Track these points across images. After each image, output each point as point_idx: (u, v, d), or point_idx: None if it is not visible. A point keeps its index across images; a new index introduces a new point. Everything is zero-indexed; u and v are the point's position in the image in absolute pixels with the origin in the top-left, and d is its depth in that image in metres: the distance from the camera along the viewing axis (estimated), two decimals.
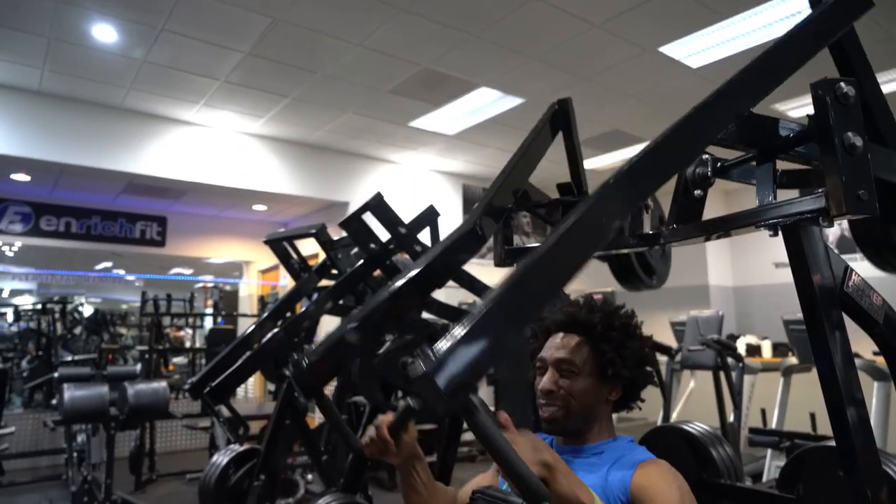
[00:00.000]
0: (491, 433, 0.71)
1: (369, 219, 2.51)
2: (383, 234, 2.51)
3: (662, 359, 4.62)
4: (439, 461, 2.58)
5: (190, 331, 8.57)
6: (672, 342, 5.05)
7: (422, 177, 7.02)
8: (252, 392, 7.95)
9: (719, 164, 1.31)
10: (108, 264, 10.12)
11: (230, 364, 2.33)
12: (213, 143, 5.79)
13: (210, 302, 8.66)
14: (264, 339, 2.40)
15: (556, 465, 0.76)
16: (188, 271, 9.74)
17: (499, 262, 1.63)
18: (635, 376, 1.10)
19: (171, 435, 6.41)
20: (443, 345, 0.66)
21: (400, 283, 1.12)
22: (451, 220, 2.73)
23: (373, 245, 2.49)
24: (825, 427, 3.58)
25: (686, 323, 4.72)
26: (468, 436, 5.89)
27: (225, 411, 3.03)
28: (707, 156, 1.27)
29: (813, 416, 3.52)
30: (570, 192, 1.58)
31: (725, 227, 1.15)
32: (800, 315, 4.61)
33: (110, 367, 4.87)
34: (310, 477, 4.80)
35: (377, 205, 2.17)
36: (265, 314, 2.63)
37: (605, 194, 0.86)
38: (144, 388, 3.92)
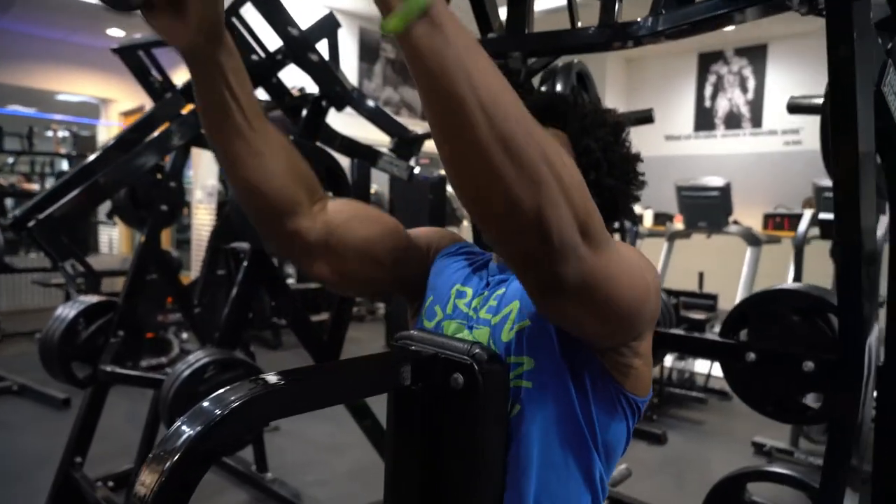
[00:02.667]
0: None
1: (254, 21, 2.01)
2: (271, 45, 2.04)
3: None
4: (331, 319, 2.40)
5: (38, 185, 7.43)
6: None
7: (311, 15, 6.15)
8: (117, 248, 7.21)
9: None
10: None
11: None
12: None
13: (61, 147, 7.49)
14: (110, 168, 1.90)
15: None
16: (30, 109, 8.29)
17: None
18: (618, 190, 0.82)
19: (17, 292, 5.69)
20: None
21: None
22: (345, 70, 2.33)
23: (256, 56, 2.01)
24: (711, 287, 3.77)
25: None
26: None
27: (74, 268, 2.54)
28: None
29: (701, 276, 3.65)
30: None
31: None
32: (692, 182, 4.56)
33: None
34: (185, 335, 4.46)
35: None
36: (111, 141, 2.11)
37: None
38: None
